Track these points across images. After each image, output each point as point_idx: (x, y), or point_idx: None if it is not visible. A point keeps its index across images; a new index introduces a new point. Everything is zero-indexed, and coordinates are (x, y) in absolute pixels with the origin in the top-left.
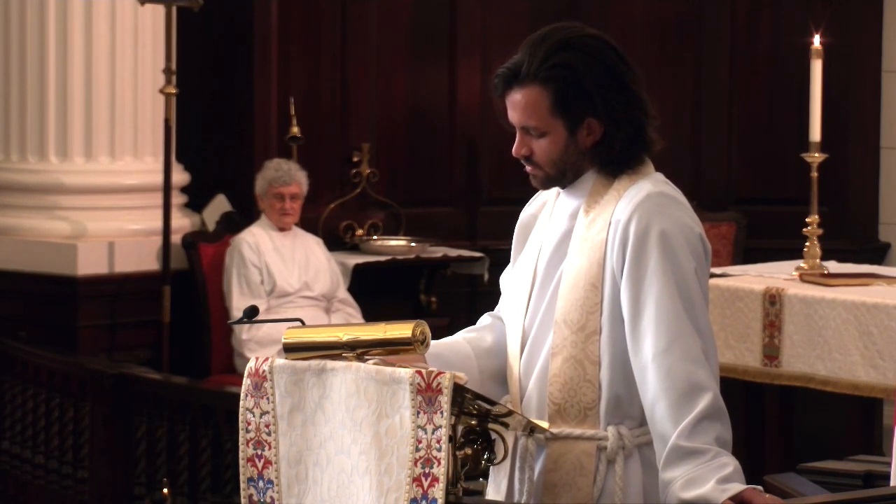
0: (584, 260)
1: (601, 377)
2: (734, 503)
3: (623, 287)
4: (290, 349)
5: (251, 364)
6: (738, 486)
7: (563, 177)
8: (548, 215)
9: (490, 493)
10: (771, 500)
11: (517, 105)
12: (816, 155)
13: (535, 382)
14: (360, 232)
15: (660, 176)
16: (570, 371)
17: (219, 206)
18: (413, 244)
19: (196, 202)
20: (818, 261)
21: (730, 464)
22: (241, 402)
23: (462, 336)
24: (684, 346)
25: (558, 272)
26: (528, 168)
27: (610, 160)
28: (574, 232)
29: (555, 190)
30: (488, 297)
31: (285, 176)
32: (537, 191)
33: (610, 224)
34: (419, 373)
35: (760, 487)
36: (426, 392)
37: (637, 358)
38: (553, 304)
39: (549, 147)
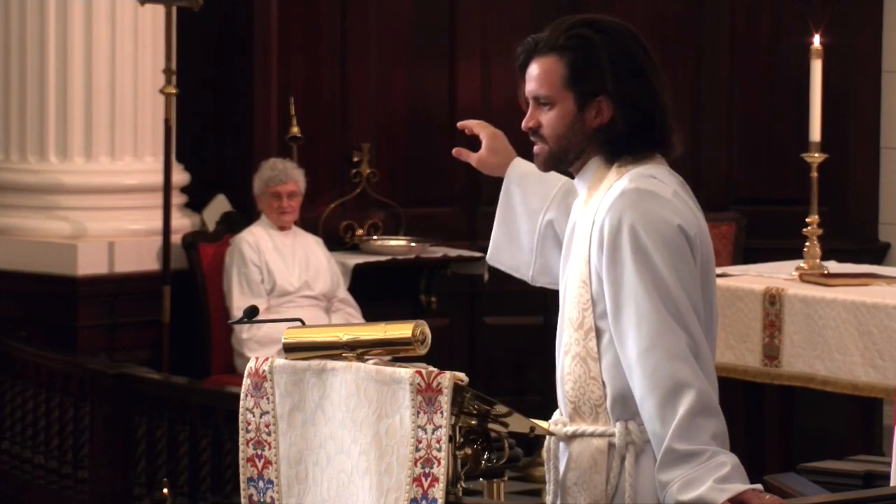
0: (576, 257)
1: (603, 374)
2: None
3: (604, 287)
4: (290, 349)
5: (251, 364)
6: (737, 487)
7: (565, 156)
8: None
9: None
10: (771, 501)
11: (532, 75)
12: (816, 155)
13: (559, 381)
14: (360, 232)
15: (649, 169)
16: (578, 369)
17: (219, 206)
18: (413, 244)
19: (196, 202)
20: (818, 261)
21: (727, 462)
22: (241, 402)
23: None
24: (666, 343)
25: (567, 268)
26: (534, 145)
27: (612, 142)
28: (576, 228)
29: None
30: (488, 297)
31: (281, 175)
32: None
33: (594, 223)
34: (419, 373)
35: (760, 487)
36: (426, 392)
37: (623, 357)
38: (564, 302)
39: (555, 120)
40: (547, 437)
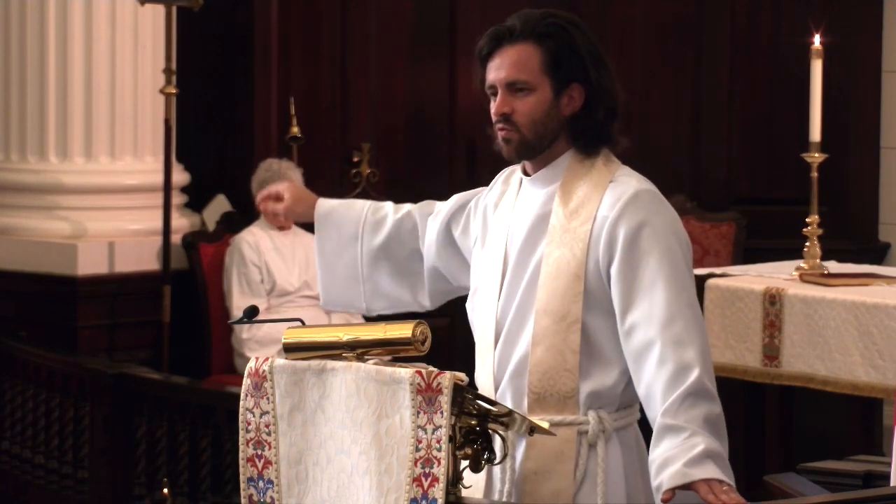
0: (566, 251)
1: (580, 366)
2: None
3: (614, 281)
4: (290, 349)
5: (251, 364)
6: (695, 474)
7: (539, 143)
8: (510, 205)
9: (467, 483)
10: (727, 500)
11: (506, 62)
12: (816, 155)
13: (512, 373)
14: None
15: (636, 173)
16: (550, 360)
17: (219, 206)
18: None
19: (196, 202)
20: (818, 261)
21: (700, 444)
22: (241, 402)
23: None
24: (678, 331)
25: (532, 261)
26: (503, 133)
27: (586, 132)
28: (552, 220)
29: (515, 179)
30: None
31: (275, 175)
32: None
33: (595, 219)
34: (419, 373)
35: (727, 481)
36: (426, 392)
37: (631, 345)
38: (529, 293)
39: (533, 106)
40: None
